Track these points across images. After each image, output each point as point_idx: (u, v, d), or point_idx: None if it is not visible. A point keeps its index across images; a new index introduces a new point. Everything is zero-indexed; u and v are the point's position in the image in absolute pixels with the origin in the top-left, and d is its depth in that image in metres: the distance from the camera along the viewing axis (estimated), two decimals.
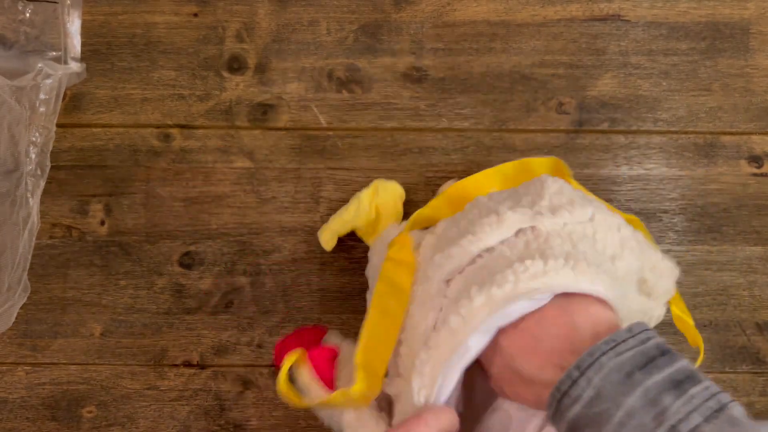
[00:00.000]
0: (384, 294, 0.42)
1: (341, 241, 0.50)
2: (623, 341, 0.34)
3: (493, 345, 0.37)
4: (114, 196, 0.52)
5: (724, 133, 0.52)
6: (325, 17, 0.53)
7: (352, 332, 0.44)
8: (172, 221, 0.52)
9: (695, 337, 0.43)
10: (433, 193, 0.51)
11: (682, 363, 0.33)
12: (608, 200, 0.50)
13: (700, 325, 0.52)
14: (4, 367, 0.52)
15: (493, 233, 0.39)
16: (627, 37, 0.53)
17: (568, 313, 0.36)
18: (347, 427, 0.42)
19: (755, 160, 0.52)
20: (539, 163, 0.47)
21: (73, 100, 0.53)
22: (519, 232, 0.39)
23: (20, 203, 0.49)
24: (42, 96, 0.49)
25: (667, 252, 0.51)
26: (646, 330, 0.35)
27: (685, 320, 0.43)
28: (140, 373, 0.51)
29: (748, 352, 0.52)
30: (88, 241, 0.52)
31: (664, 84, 0.53)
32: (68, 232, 0.52)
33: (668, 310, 0.42)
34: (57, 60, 0.51)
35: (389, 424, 0.41)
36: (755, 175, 0.52)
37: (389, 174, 0.52)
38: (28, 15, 0.51)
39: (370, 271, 0.47)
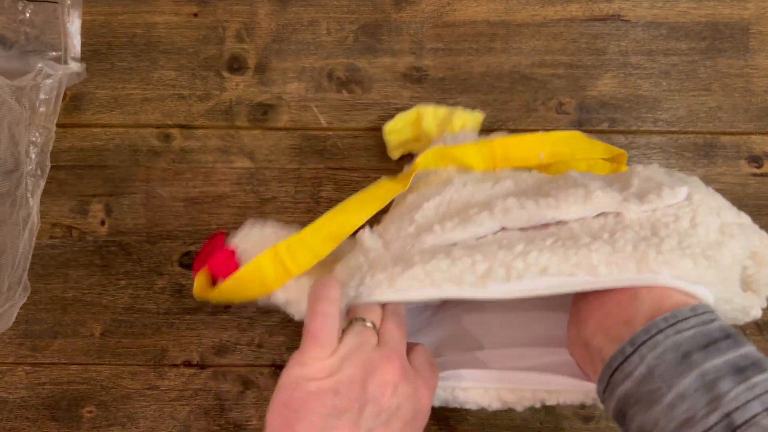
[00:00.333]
0: (362, 194, 0.44)
1: None
2: (684, 319, 0.33)
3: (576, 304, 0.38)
4: (114, 196, 0.52)
5: (724, 133, 0.53)
6: (325, 17, 0.53)
7: None
8: (172, 221, 0.52)
9: None
10: None
11: (748, 349, 0.32)
12: None
13: None
14: (5, 367, 0.52)
15: (575, 208, 0.38)
16: (627, 37, 0.53)
17: (655, 288, 0.35)
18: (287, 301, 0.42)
19: (755, 160, 0.52)
20: (591, 142, 0.48)
21: (73, 100, 0.53)
22: (601, 215, 0.38)
23: (20, 203, 0.49)
24: (42, 96, 0.49)
25: None
26: (710, 312, 0.33)
27: None
28: (140, 373, 0.51)
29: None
30: (88, 241, 0.52)
31: (664, 84, 0.53)
32: (68, 232, 0.52)
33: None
34: (57, 60, 0.51)
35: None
36: (755, 175, 0.52)
37: (390, 174, 0.52)
38: (28, 15, 0.51)
39: None
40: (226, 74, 0.53)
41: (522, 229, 0.39)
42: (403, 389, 0.36)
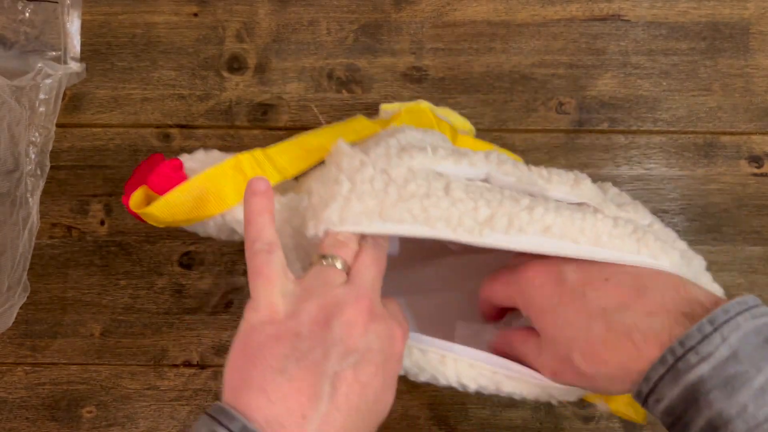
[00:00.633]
0: (338, 126, 0.42)
1: None
2: (756, 306, 0.31)
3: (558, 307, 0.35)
4: (114, 196, 0.52)
5: (724, 133, 0.52)
6: (325, 17, 0.53)
7: None
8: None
9: None
10: None
11: None
12: None
13: None
14: (4, 367, 0.52)
15: (564, 188, 0.38)
16: (627, 37, 0.53)
17: (666, 272, 0.34)
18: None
19: (755, 160, 0.52)
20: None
21: (72, 100, 0.53)
22: (583, 204, 0.38)
23: (20, 203, 0.49)
24: (42, 96, 0.49)
25: None
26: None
27: None
28: (140, 373, 0.51)
29: None
30: (88, 241, 0.52)
31: (664, 84, 0.53)
32: (68, 232, 0.52)
33: None
34: (57, 60, 0.51)
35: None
36: (755, 175, 0.52)
37: None
38: (27, 15, 0.51)
39: None
40: (225, 74, 0.53)
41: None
42: (375, 329, 0.33)
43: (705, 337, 0.30)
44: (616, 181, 0.52)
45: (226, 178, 0.37)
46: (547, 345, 0.36)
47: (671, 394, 0.30)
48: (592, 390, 0.37)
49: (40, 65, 0.48)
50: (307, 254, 0.38)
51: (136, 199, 0.38)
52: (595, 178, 0.52)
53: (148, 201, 0.38)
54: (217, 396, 0.51)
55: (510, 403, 0.51)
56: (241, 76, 0.53)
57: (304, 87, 0.53)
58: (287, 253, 0.36)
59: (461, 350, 0.37)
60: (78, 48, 0.52)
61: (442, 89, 0.53)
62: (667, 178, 0.52)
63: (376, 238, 0.36)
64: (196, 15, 0.53)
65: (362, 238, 0.36)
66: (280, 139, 0.52)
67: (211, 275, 0.52)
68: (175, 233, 0.52)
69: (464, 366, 0.37)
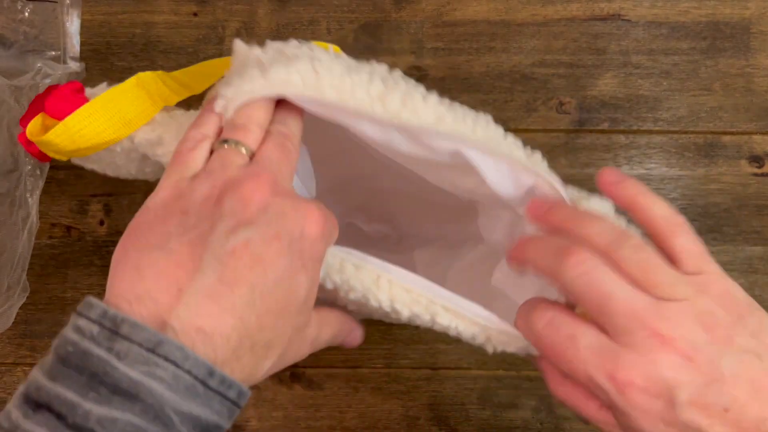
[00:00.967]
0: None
1: None
2: None
3: None
4: (113, 196, 0.52)
5: (725, 133, 0.52)
6: (325, 17, 0.53)
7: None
8: None
9: None
10: None
11: None
12: None
13: None
14: (3, 368, 0.51)
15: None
16: (627, 36, 0.53)
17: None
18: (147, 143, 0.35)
19: (756, 160, 0.52)
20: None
21: None
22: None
23: (19, 203, 0.49)
24: None
25: None
26: None
27: None
28: None
29: None
30: (87, 241, 0.52)
31: (665, 84, 0.53)
32: (67, 232, 0.52)
33: None
34: (56, 59, 0.51)
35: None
36: (756, 175, 0.52)
37: None
38: (27, 14, 0.51)
39: None
40: (225, 74, 0.53)
41: None
42: (278, 205, 0.29)
43: None
44: None
45: (130, 97, 0.34)
46: None
47: None
48: None
49: (39, 65, 0.48)
50: None
51: (33, 127, 0.35)
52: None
53: (47, 129, 0.35)
54: None
55: (511, 404, 0.50)
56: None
57: None
58: None
59: (399, 273, 0.34)
60: (77, 48, 0.52)
61: (443, 89, 0.52)
62: (667, 178, 0.52)
63: (284, 119, 0.33)
64: (195, 15, 0.53)
65: (268, 130, 0.33)
66: None
67: None
68: None
69: (399, 290, 0.34)
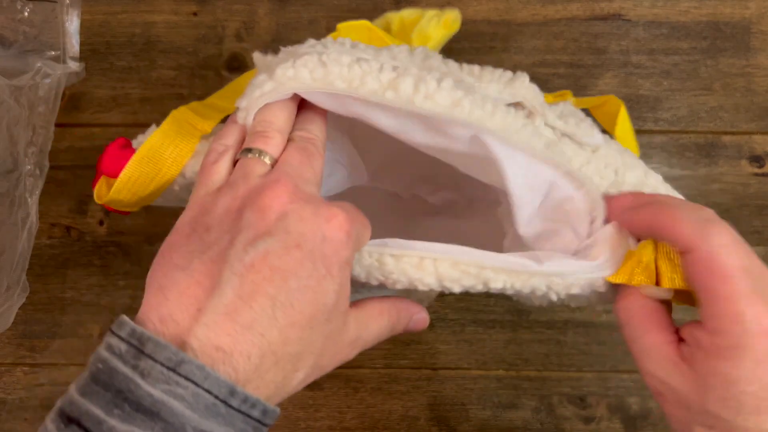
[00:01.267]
0: None
1: None
2: None
3: None
4: None
5: (726, 133, 0.52)
6: (325, 16, 0.53)
7: None
8: (172, 221, 0.52)
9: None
10: None
11: None
12: None
13: None
14: (3, 368, 0.51)
15: (496, 85, 0.35)
16: (628, 36, 0.53)
17: None
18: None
19: (756, 160, 0.52)
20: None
21: (71, 100, 0.53)
22: (517, 105, 0.35)
23: (19, 203, 0.48)
24: (41, 95, 0.49)
25: None
26: None
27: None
28: None
29: None
30: (87, 241, 0.52)
31: (665, 83, 0.53)
32: (67, 233, 0.52)
33: None
34: (56, 59, 0.51)
35: None
36: (756, 174, 0.52)
37: None
38: (26, 14, 0.51)
39: None
40: (225, 73, 0.53)
41: None
42: (297, 211, 0.29)
43: None
44: None
45: (170, 136, 0.35)
46: (719, 389, 0.29)
47: None
48: None
49: (39, 65, 0.48)
50: None
51: (98, 190, 0.37)
52: None
53: (110, 189, 0.36)
54: None
55: (511, 404, 0.50)
56: (240, 75, 0.52)
57: None
58: None
59: (442, 249, 0.33)
60: (77, 47, 0.52)
61: None
62: (668, 178, 0.51)
63: (304, 126, 0.33)
64: (195, 14, 0.53)
65: (290, 136, 0.33)
66: None
67: None
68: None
69: (446, 267, 0.33)
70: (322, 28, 0.53)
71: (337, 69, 0.32)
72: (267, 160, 0.31)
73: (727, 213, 0.52)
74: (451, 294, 0.35)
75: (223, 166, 0.32)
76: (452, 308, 0.51)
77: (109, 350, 0.27)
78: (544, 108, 0.35)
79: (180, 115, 0.36)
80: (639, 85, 0.52)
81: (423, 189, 0.46)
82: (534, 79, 0.52)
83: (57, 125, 0.50)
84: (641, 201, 0.33)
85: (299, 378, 0.30)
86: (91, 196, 0.52)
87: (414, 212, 0.45)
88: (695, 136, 0.52)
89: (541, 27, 0.53)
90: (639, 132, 0.52)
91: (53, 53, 0.51)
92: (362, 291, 0.36)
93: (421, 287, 0.34)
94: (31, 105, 0.48)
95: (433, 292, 0.35)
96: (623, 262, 0.33)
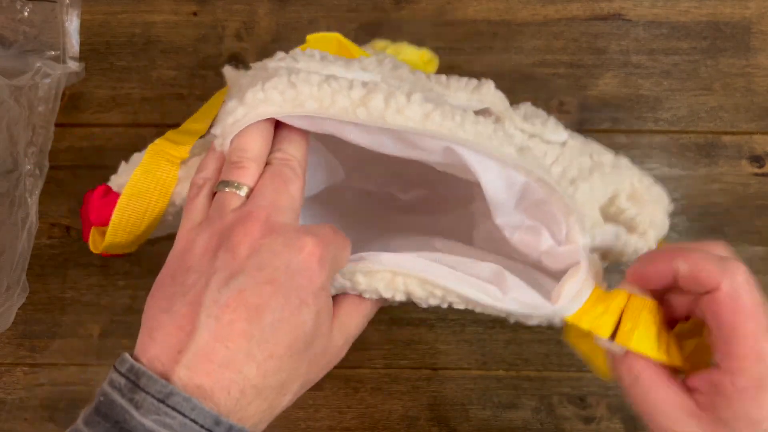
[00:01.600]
0: None
1: None
2: None
3: None
4: None
5: (726, 133, 0.52)
6: (325, 16, 0.53)
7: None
8: None
9: None
10: None
11: None
12: None
13: None
14: (3, 368, 0.51)
15: (463, 94, 0.36)
16: (628, 36, 0.53)
17: None
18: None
19: (756, 160, 0.52)
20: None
21: (71, 100, 0.53)
22: (485, 111, 0.36)
23: (19, 203, 0.48)
24: (41, 95, 0.48)
25: None
26: None
27: None
28: None
29: None
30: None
31: (665, 83, 0.53)
32: (67, 233, 0.52)
33: None
34: (56, 59, 0.51)
35: None
36: (757, 174, 0.52)
37: None
38: (26, 14, 0.51)
39: None
40: None
41: None
42: (269, 244, 0.30)
43: None
44: None
45: (150, 171, 0.36)
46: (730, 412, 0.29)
47: None
48: None
49: (38, 65, 0.48)
50: None
51: (93, 241, 0.38)
52: None
53: (104, 236, 0.37)
54: None
55: (511, 404, 0.50)
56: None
57: None
58: None
59: (414, 264, 0.34)
60: (77, 47, 0.52)
61: None
62: (668, 178, 0.52)
63: (280, 158, 0.33)
64: (195, 14, 0.53)
65: (268, 159, 0.33)
66: None
67: None
68: (174, 233, 0.52)
69: (415, 285, 0.34)
70: (322, 28, 0.53)
71: (307, 89, 0.32)
72: (242, 193, 0.32)
73: (727, 213, 0.52)
74: None
75: (201, 201, 0.33)
76: (452, 308, 0.51)
77: (111, 384, 0.29)
78: (510, 112, 0.36)
79: (156, 147, 0.37)
80: (639, 85, 0.52)
81: (395, 187, 0.47)
82: (534, 79, 0.53)
83: (57, 125, 0.50)
84: (651, 254, 0.34)
85: (287, 400, 0.31)
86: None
87: (388, 209, 0.46)
88: (695, 136, 0.52)
89: (541, 27, 0.53)
90: (639, 132, 0.52)
91: (53, 53, 0.51)
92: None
93: (392, 301, 0.35)
94: (31, 105, 0.48)
95: None
96: (588, 303, 0.33)
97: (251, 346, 0.29)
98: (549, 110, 0.52)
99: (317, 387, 0.51)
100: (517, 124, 0.36)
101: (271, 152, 0.33)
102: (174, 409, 0.28)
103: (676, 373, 0.32)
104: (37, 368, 0.51)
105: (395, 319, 0.51)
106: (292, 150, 0.33)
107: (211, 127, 0.37)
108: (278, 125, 0.34)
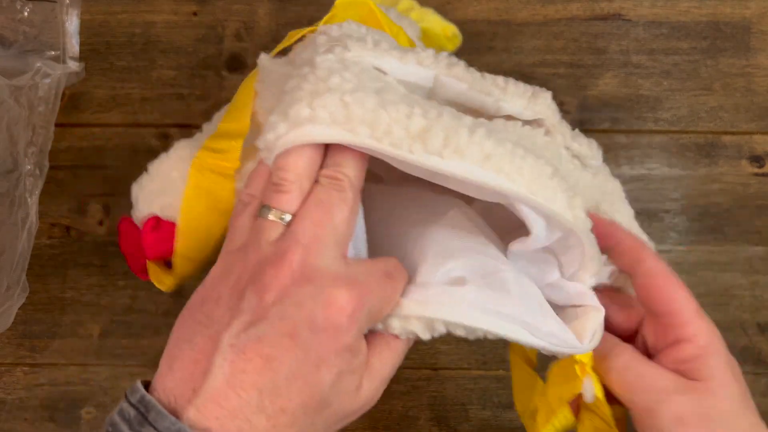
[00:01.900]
0: None
1: None
2: None
3: None
4: (113, 196, 0.52)
5: (726, 133, 0.52)
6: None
7: None
8: None
9: None
10: None
11: None
12: None
13: None
14: (3, 368, 0.51)
15: (520, 100, 0.34)
16: (628, 36, 0.53)
17: None
18: None
19: (756, 160, 0.52)
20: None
21: (71, 100, 0.53)
22: (535, 122, 0.34)
23: (19, 203, 0.48)
24: (41, 95, 0.48)
25: (668, 252, 0.51)
26: None
27: None
28: (139, 374, 0.51)
29: (750, 353, 0.51)
30: (86, 241, 0.52)
31: (665, 83, 0.53)
32: (67, 233, 0.52)
33: None
34: (56, 59, 0.51)
35: None
36: (756, 174, 0.52)
37: None
38: (26, 14, 0.51)
39: None
40: (225, 73, 0.53)
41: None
42: (297, 295, 0.28)
43: None
44: None
45: (204, 189, 0.34)
46: None
47: None
48: None
49: (38, 65, 0.48)
50: None
51: (157, 278, 0.36)
52: None
53: (166, 263, 0.35)
54: None
55: (511, 404, 0.50)
56: (240, 75, 0.52)
57: None
58: None
59: (458, 313, 0.31)
60: (77, 47, 0.52)
61: None
62: (668, 178, 0.52)
63: (332, 176, 0.30)
64: (195, 14, 0.53)
65: (316, 179, 0.30)
66: None
67: None
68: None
69: (456, 328, 0.32)
70: None
71: (360, 112, 0.28)
72: (282, 221, 0.29)
73: (727, 213, 0.52)
74: None
75: (245, 221, 0.30)
76: None
77: (120, 414, 0.28)
78: (562, 127, 0.34)
79: (200, 162, 0.34)
80: (639, 85, 0.52)
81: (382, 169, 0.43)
82: (534, 79, 0.52)
83: (57, 125, 0.50)
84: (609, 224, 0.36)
85: None
86: (91, 196, 0.52)
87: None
88: (695, 136, 0.52)
89: (541, 27, 0.53)
90: (639, 132, 0.52)
91: (53, 53, 0.51)
92: None
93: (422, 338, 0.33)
94: (31, 105, 0.48)
95: None
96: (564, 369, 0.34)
97: (262, 398, 0.28)
98: None
99: None
100: (567, 142, 0.35)
101: (323, 165, 0.30)
102: None
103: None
104: (37, 368, 0.51)
105: None
106: (346, 167, 0.30)
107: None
108: None
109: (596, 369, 0.34)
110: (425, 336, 0.32)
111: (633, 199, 0.52)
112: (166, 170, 0.36)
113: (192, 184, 0.34)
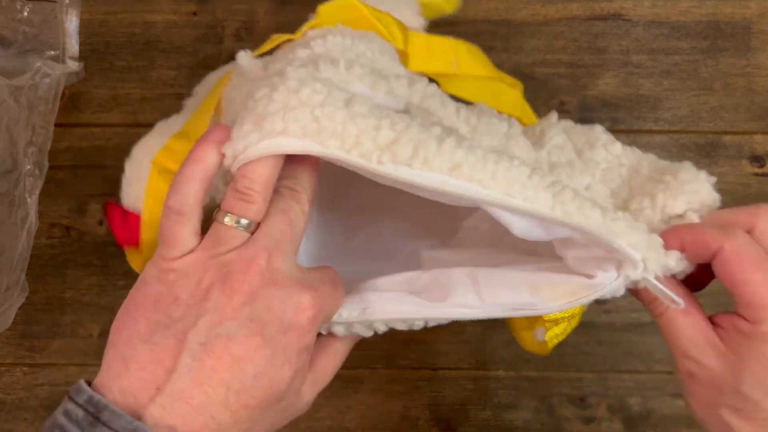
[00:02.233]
0: None
1: None
2: None
3: None
4: (113, 196, 0.52)
5: (726, 133, 0.52)
6: None
7: None
8: None
9: None
10: None
11: None
12: None
13: None
14: (2, 368, 0.51)
15: (486, 139, 0.34)
16: (628, 36, 0.53)
17: None
18: None
19: (757, 160, 0.52)
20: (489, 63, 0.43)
21: (71, 100, 0.52)
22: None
23: (18, 203, 0.48)
24: (40, 95, 0.48)
25: None
26: None
27: None
28: None
29: None
30: (86, 241, 0.52)
31: (666, 83, 0.53)
32: (66, 233, 0.52)
33: None
34: (55, 59, 0.51)
35: None
36: (757, 175, 0.52)
37: None
38: (26, 14, 0.51)
39: None
40: None
41: None
42: (266, 296, 0.29)
43: None
44: None
45: (162, 192, 0.34)
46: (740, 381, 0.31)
47: None
48: None
49: (38, 65, 0.48)
50: None
51: (132, 259, 0.39)
52: None
53: (142, 245, 0.38)
54: None
55: (511, 404, 0.50)
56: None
57: None
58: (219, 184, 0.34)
59: (391, 305, 0.33)
60: (76, 47, 0.52)
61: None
62: None
63: (292, 188, 0.31)
64: (195, 14, 0.53)
65: (276, 188, 0.31)
66: None
67: None
68: None
69: (395, 322, 0.34)
70: None
71: (330, 126, 0.29)
72: (245, 230, 0.30)
73: None
74: None
75: (190, 228, 0.31)
76: None
77: (66, 416, 0.28)
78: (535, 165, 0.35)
79: (160, 164, 0.36)
80: (639, 84, 0.52)
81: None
82: (534, 79, 0.52)
83: (56, 125, 0.50)
84: (670, 229, 0.35)
85: None
86: (91, 196, 0.52)
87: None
88: (696, 136, 0.52)
89: (541, 27, 0.53)
90: (639, 132, 0.52)
91: (53, 53, 0.51)
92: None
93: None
94: (31, 105, 0.48)
95: None
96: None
97: (229, 395, 0.28)
98: (549, 110, 0.52)
99: None
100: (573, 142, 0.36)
101: (281, 177, 0.31)
102: None
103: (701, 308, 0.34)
104: (37, 368, 0.51)
105: None
106: (303, 180, 0.32)
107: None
108: None
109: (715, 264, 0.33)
110: (367, 334, 0.34)
111: None
112: (140, 157, 0.38)
113: (152, 186, 0.35)
